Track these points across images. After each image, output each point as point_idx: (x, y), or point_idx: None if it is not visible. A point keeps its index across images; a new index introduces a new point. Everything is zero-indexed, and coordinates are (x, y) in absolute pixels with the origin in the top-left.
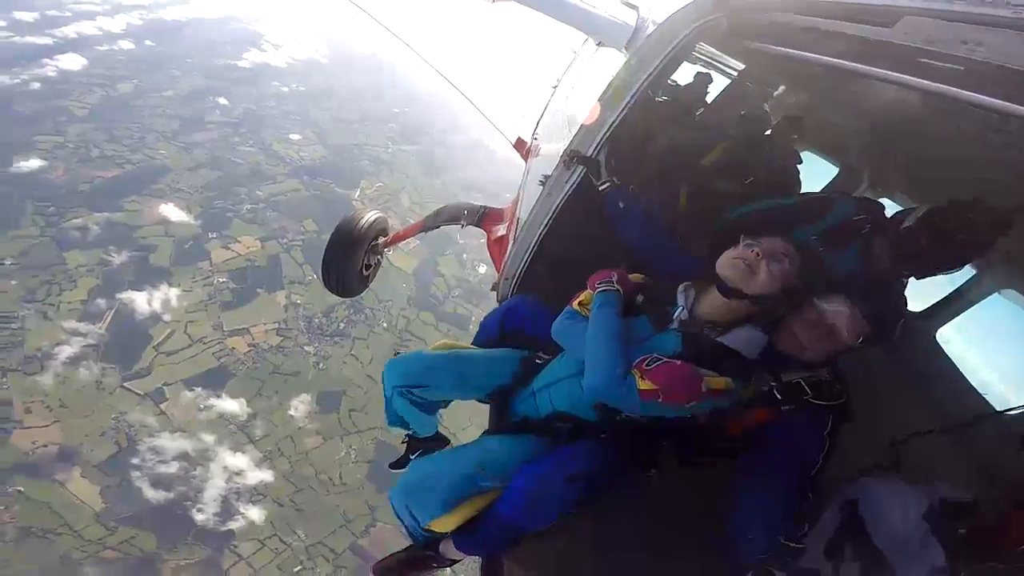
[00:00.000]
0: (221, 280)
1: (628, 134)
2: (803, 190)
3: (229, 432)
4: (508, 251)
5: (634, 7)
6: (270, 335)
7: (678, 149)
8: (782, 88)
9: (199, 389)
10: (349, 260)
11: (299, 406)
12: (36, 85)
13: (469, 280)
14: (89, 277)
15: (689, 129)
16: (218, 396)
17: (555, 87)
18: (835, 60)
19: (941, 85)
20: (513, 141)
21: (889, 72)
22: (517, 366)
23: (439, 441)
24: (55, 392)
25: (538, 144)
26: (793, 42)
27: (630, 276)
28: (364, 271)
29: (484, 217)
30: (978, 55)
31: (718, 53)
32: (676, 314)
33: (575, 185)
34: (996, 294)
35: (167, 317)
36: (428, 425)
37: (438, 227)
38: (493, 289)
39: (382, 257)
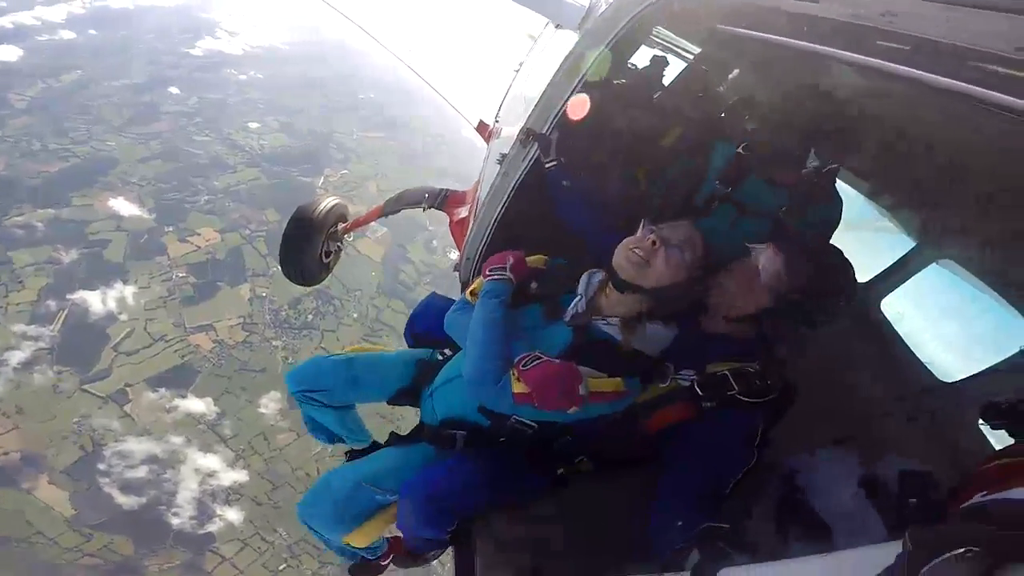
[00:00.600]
0: (180, 275)
1: (586, 114)
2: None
3: (198, 432)
4: (468, 232)
5: None
6: (235, 331)
7: (636, 130)
8: (736, 71)
9: (163, 390)
10: (308, 247)
11: (269, 403)
12: None
13: (439, 266)
14: (38, 276)
15: (647, 111)
16: (183, 396)
17: (517, 70)
18: (771, 37)
19: (860, 56)
20: (475, 124)
21: (816, 46)
22: (413, 367)
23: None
24: (10, 398)
25: (499, 127)
26: (737, 21)
27: (530, 259)
28: (324, 258)
29: (446, 200)
30: (895, 26)
31: (675, 37)
32: (572, 304)
33: (531, 163)
34: (934, 264)
35: (124, 316)
36: (358, 433)
37: (399, 211)
38: (456, 270)
39: (342, 243)
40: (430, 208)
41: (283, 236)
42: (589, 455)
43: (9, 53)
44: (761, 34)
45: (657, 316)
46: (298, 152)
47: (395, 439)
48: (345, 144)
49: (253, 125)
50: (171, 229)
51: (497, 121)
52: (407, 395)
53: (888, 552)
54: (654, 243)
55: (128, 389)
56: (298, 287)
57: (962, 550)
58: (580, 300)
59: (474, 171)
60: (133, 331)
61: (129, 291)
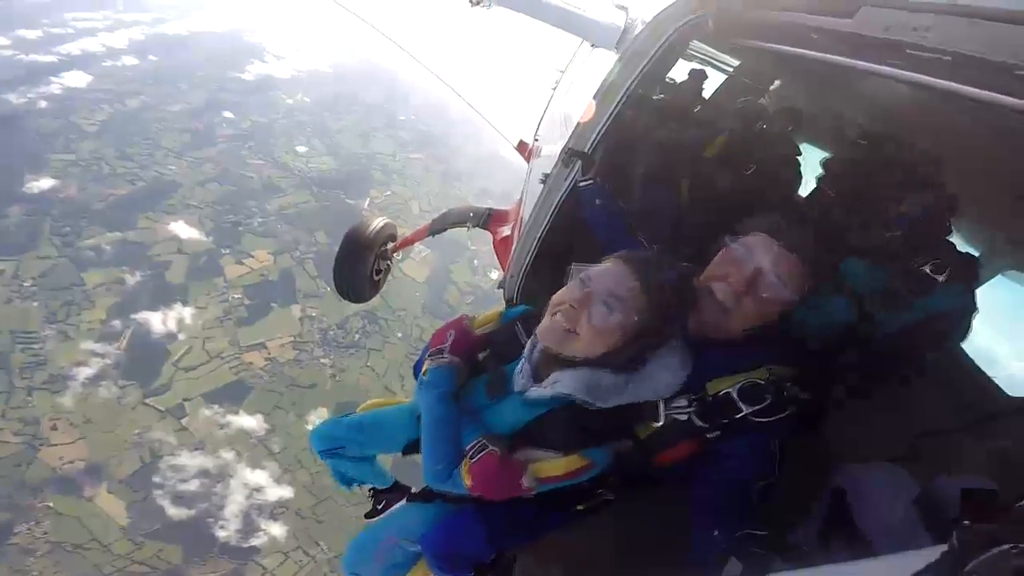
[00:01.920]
0: (236, 296)
1: (627, 131)
2: (803, 181)
3: (249, 446)
4: (513, 249)
5: (624, 8)
6: (286, 349)
7: (677, 143)
8: (777, 82)
9: (217, 406)
10: (360, 266)
11: (316, 419)
12: (43, 104)
13: (482, 286)
14: (107, 296)
15: (688, 124)
16: (236, 413)
17: (554, 89)
18: (808, 52)
19: (893, 69)
20: (515, 143)
21: (854, 61)
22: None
23: (401, 490)
24: (79, 410)
25: (539, 145)
26: (772, 37)
27: (480, 320)
28: (375, 276)
29: (489, 219)
30: (928, 41)
31: (713, 50)
32: (517, 371)
33: (574, 182)
34: (1001, 276)
35: (183, 336)
36: (379, 477)
37: (445, 230)
38: (500, 287)
39: (392, 262)
40: (475, 227)
41: (336, 256)
42: (606, 488)
43: (78, 79)
44: (796, 50)
45: (612, 366)
46: (344, 174)
47: (417, 495)
48: (388, 166)
49: (301, 148)
50: (227, 251)
51: (537, 140)
52: (418, 446)
53: (936, 553)
54: (581, 301)
55: (185, 404)
56: (346, 307)
57: (1010, 546)
58: (524, 365)
59: (515, 190)
60: (191, 348)
61: (188, 312)
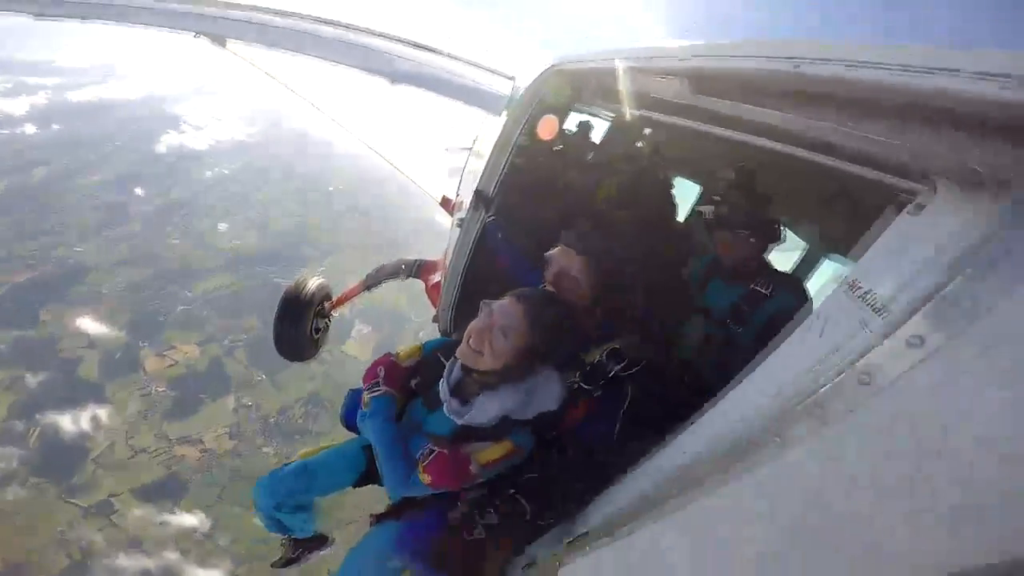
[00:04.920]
0: (160, 390)
1: (524, 175)
2: (678, 209)
3: (195, 543)
4: (442, 286)
5: (511, 77)
6: (222, 440)
7: (575, 189)
8: (648, 129)
9: (150, 504)
10: (299, 325)
11: None
12: None
13: None
14: (5, 396)
15: (582, 170)
16: (173, 511)
17: (470, 150)
18: (635, 111)
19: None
20: (440, 199)
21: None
22: (363, 453)
23: (319, 540)
24: None
25: (460, 199)
26: (614, 98)
27: (403, 354)
28: (314, 335)
29: (421, 268)
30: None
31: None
32: (440, 390)
33: (482, 220)
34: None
35: (101, 435)
36: (306, 527)
37: (380, 283)
38: (434, 321)
39: (329, 320)
40: (408, 277)
41: (275, 316)
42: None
43: None
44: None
45: (513, 379)
46: (272, 251)
47: (384, 514)
48: (320, 240)
49: (223, 226)
50: (146, 344)
51: (458, 195)
52: (367, 478)
53: None
54: (485, 330)
55: (113, 500)
56: (284, 393)
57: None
58: (444, 385)
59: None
60: (113, 444)
61: (104, 410)
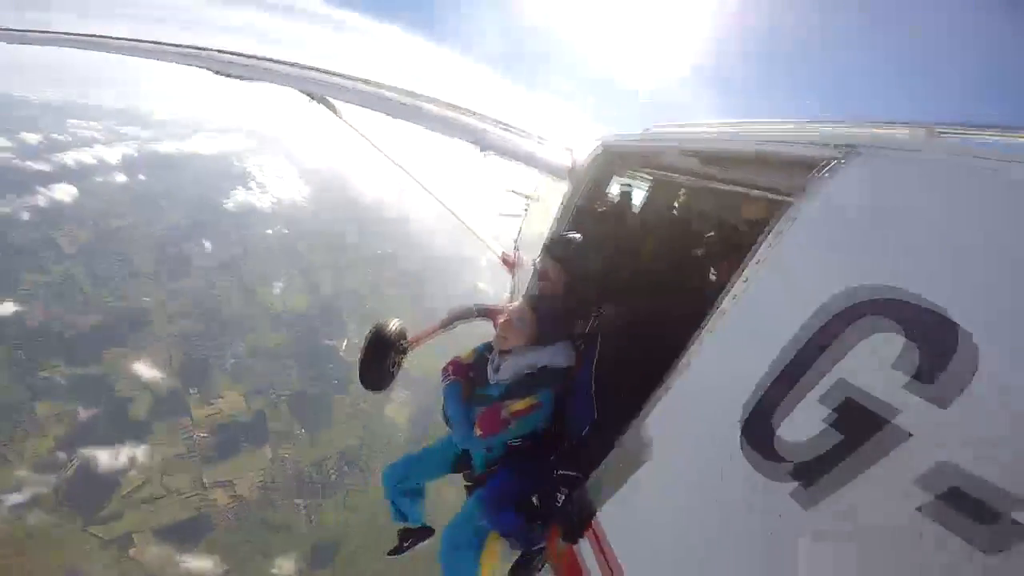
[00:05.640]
0: (202, 435)
1: (583, 230)
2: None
3: None
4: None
5: (570, 149)
6: (254, 489)
7: (620, 247)
8: (682, 192)
9: (169, 545)
10: (382, 360)
11: (284, 564)
12: (26, 215)
13: None
14: (57, 427)
15: (623, 227)
16: (191, 553)
17: (526, 210)
18: (681, 176)
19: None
20: (500, 256)
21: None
22: (453, 445)
23: (426, 531)
24: (5, 537)
25: (519, 254)
26: (650, 163)
27: (464, 356)
28: (391, 368)
29: (488, 311)
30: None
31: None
32: (490, 368)
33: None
34: None
35: (134, 472)
36: (417, 512)
37: (454, 325)
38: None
39: (405, 356)
40: (477, 318)
41: (362, 351)
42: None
43: (65, 193)
44: (667, 173)
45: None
46: (321, 312)
47: (470, 485)
48: (366, 302)
49: (278, 285)
50: (196, 391)
51: (517, 250)
52: (459, 464)
53: None
54: (508, 321)
55: (135, 535)
56: (321, 448)
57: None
58: (490, 364)
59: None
60: (147, 482)
61: (143, 449)
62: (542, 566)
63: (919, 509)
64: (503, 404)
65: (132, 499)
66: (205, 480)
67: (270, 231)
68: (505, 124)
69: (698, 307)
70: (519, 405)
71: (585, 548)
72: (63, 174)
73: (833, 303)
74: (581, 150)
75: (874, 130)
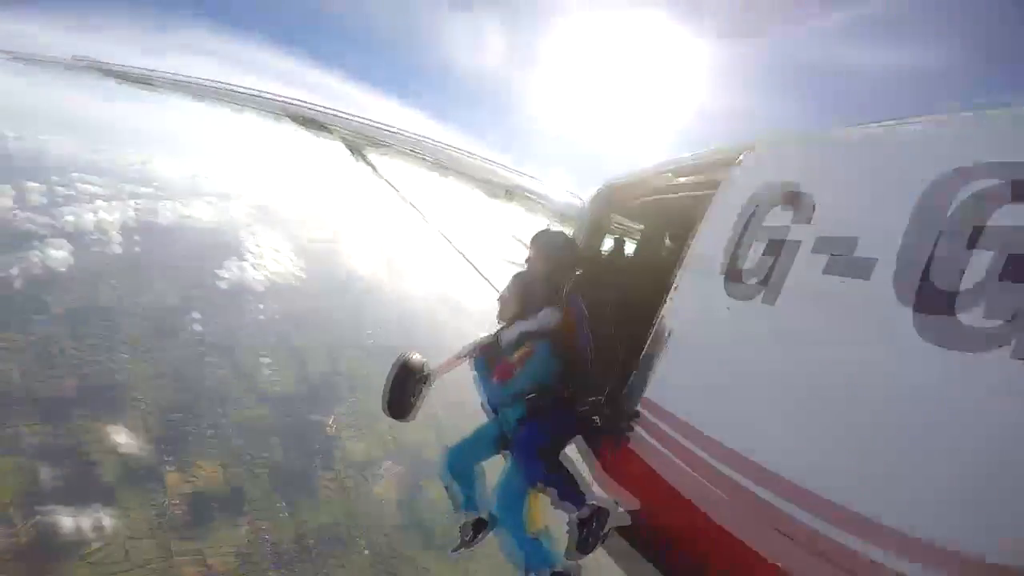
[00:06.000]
0: (174, 503)
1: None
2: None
3: None
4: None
5: (575, 194)
6: (228, 561)
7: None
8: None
9: None
10: (405, 390)
11: None
12: (15, 272)
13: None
14: (15, 480)
15: (618, 271)
16: None
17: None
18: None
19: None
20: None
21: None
22: (495, 427)
23: (483, 523)
24: None
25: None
26: (647, 191)
27: (484, 339)
28: (411, 399)
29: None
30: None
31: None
32: (501, 339)
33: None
34: None
35: (95, 538)
36: (473, 495)
37: (472, 355)
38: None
39: (427, 387)
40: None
41: (389, 380)
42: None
43: (60, 255)
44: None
45: (526, 315)
46: (309, 390)
47: (507, 448)
48: (354, 381)
49: (266, 361)
50: (171, 460)
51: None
52: (502, 444)
53: None
54: (501, 298)
55: None
56: (301, 523)
57: None
58: (500, 336)
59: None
60: (110, 549)
61: (110, 513)
62: (605, 529)
63: None
64: (508, 357)
65: (91, 565)
66: (174, 550)
67: (261, 305)
68: (519, 170)
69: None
70: (518, 353)
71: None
72: (61, 232)
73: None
74: (587, 194)
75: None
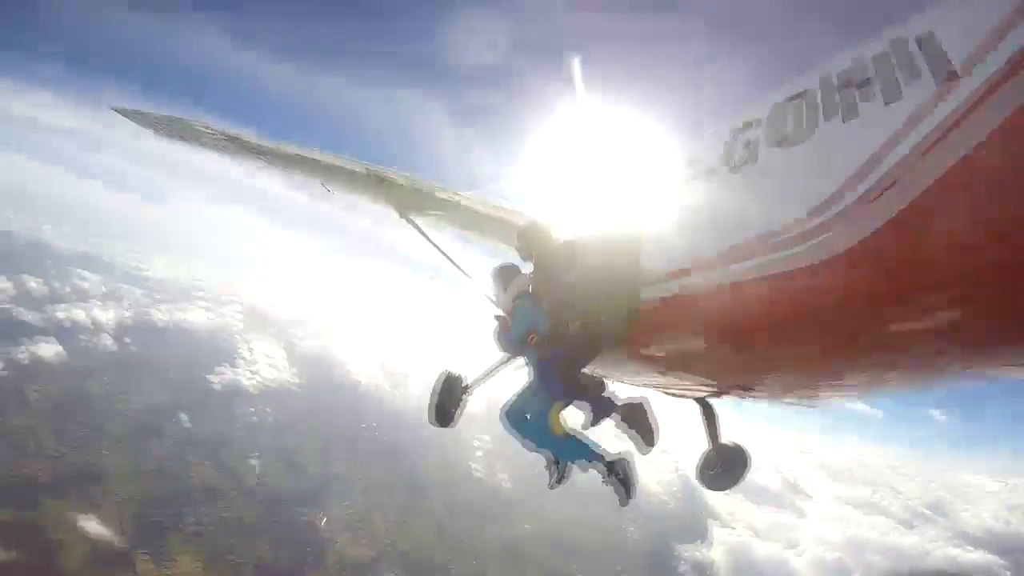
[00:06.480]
0: None
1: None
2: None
3: None
4: None
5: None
6: None
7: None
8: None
9: None
10: (451, 399)
11: None
12: (1, 365)
13: None
14: None
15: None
16: None
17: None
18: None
19: None
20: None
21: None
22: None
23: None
24: None
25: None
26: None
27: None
28: (454, 409)
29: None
30: None
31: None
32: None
33: None
34: None
35: None
36: (544, 433)
37: (501, 370)
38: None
39: (466, 398)
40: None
41: (435, 392)
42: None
43: (49, 351)
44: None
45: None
46: (299, 490)
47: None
48: (348, 482)
49: (254, 461)
50: (146, 553)
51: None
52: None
53: None
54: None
55: None
56: None
57: None
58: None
59: (480, 504)
60: None
61: None
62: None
63: None
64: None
65: None
66: None
67: (253, 408)
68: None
69: None
70: (508, 308)
71: None
72: (53, 329)
73: None
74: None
75: None
